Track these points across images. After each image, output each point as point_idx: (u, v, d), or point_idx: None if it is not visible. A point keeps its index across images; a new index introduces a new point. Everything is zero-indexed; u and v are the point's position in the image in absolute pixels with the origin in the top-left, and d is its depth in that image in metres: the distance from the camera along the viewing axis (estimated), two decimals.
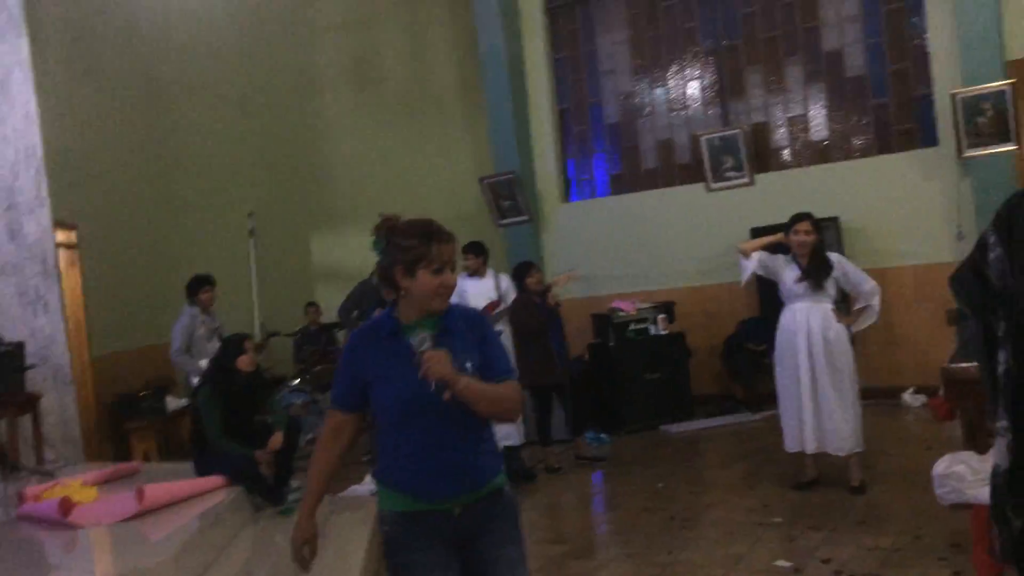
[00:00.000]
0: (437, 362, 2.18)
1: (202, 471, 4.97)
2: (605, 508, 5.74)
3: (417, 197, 9.33)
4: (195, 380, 6.15)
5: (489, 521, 2.36)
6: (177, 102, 9.39)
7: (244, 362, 5.29)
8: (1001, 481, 2.61)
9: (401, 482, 2.32)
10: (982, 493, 3.28)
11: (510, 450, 6.11)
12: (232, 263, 8.81)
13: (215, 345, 6.14)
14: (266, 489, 4.99)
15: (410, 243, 2.28)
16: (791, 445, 5.34)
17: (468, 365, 2.29)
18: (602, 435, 7.28)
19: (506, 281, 6.92)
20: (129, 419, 7.72)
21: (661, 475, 6.14)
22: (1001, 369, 2.65)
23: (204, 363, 6.05)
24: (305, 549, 2.40)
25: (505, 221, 9.45)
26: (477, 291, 6.72)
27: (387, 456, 2.36)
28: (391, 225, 2.36)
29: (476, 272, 6.88)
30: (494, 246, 7.89)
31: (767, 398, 5.96)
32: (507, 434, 6.45)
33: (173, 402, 7.91)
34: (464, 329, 2.37)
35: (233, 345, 5.38)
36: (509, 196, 9.34)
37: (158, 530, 4.05)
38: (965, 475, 3.58)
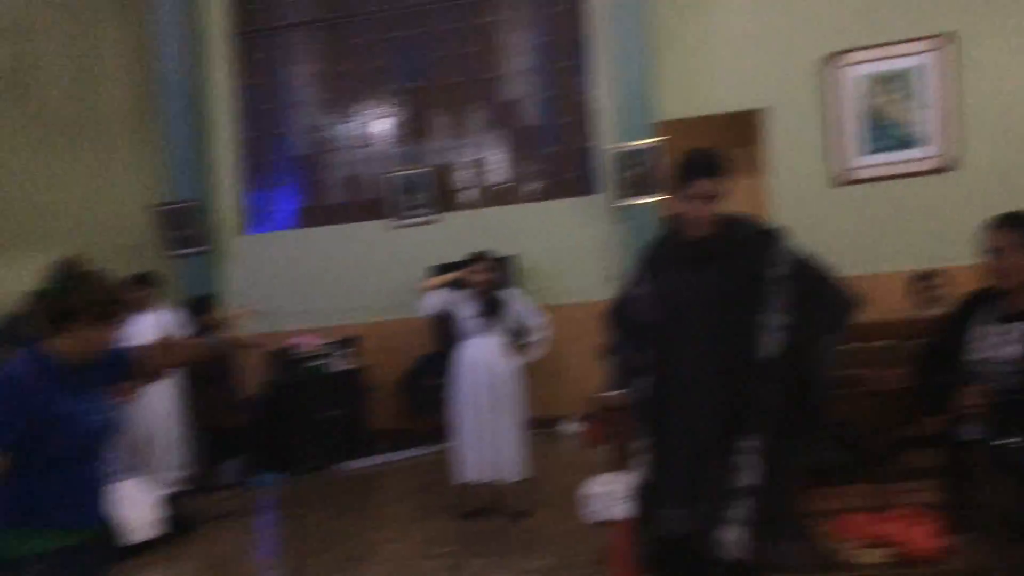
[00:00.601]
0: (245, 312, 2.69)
1: None
2: (274, 553, 5.47)
3: (77, 224, 8.47)
4: None
5: (109, 549, 2.56)
6: None
7: None
8: (642, 495, 2.85)
9: (61, 517, 2.34)
10: (623, 510, 3.55)
11: (171, 498, 5.65)
12: None
13: None
14: None
15: (108, 298, 2.39)
16: (462, 475, 5.47)
17: (105, 401, 2.48)
18: (268, 476, 6.96)
19: (173, 316, 6.45)
20: None
21: (335, 514, 6.01)
22: (640, 395, 2.91)
23: None
24: None
25: (179, 252, 8.85)
26: (140, 326, 6.18)
27: (42, 496, 2.30)
28: (82, 271, 2.38)
29: (140, 306, 6.34)
30: (165, 278, 7.36)
31: (445, 431, 6.07)
32: (169, 480, 5.99)
33: None
34: (106, 364, 2.51)
35: None
36: (184, 226, 8.78)
37: None
38: (608, 494, 3.87)
